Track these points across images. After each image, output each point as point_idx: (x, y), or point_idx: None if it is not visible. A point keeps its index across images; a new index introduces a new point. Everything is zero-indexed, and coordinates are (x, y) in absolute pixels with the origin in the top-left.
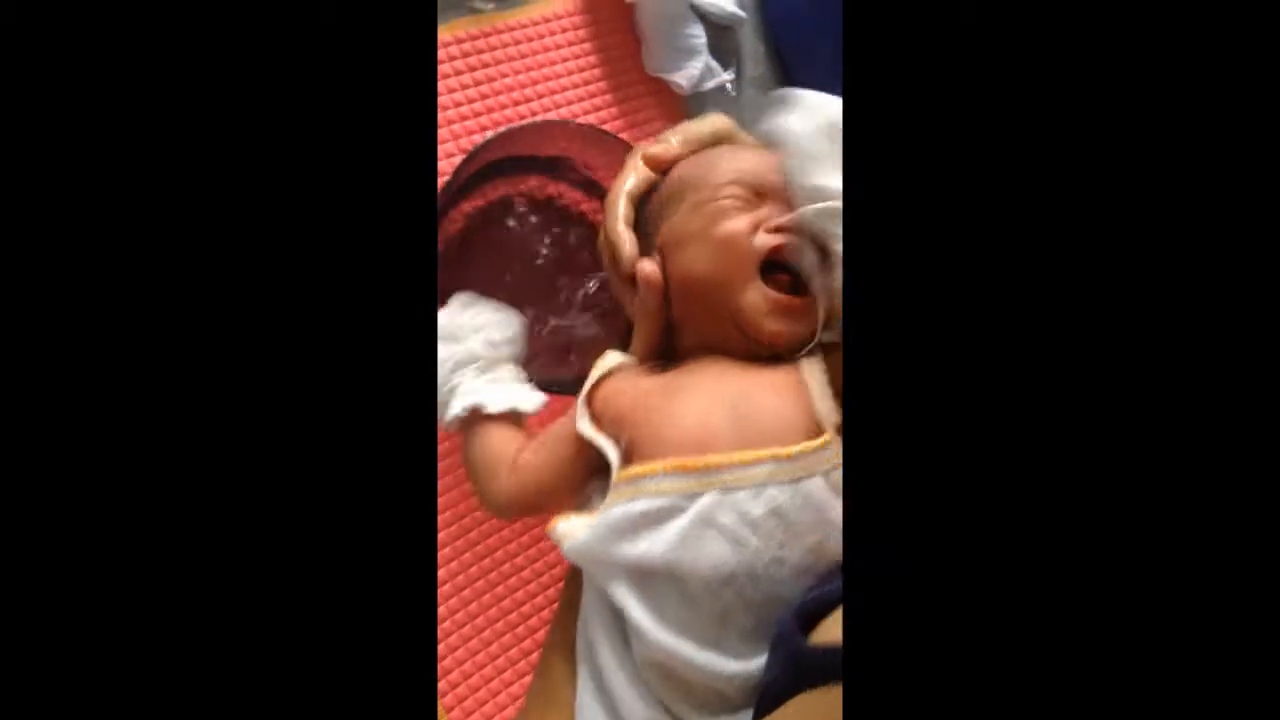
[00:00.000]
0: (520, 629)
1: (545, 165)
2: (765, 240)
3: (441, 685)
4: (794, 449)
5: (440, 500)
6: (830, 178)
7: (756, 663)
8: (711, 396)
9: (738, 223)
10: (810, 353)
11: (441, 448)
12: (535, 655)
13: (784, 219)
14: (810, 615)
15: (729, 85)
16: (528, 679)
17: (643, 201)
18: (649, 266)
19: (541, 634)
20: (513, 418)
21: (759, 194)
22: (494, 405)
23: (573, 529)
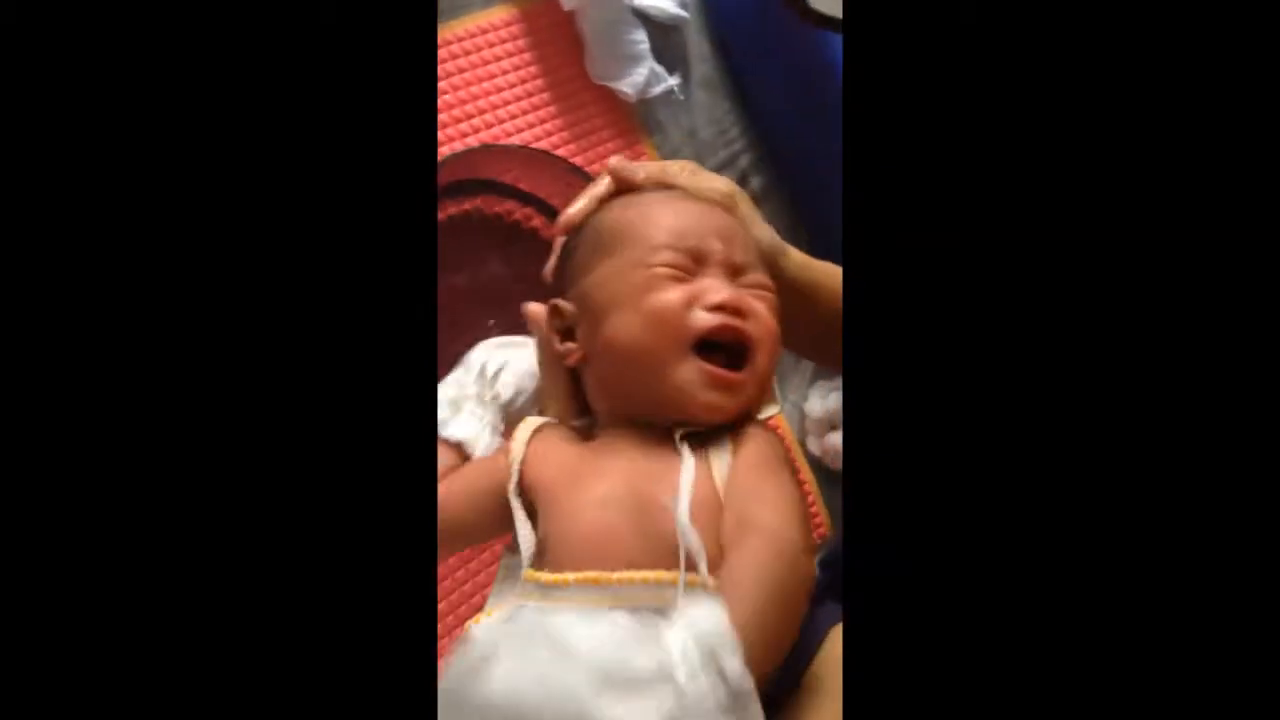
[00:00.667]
0: None
1: (490, 187)
2: (704, 320)
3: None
4: (704, 575)
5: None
6: None
7: None
8: (618, 496)
9: (671, 295)
10: (721, 441)
11: None
12: None
13: (725, 297)
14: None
15: (676, 90)
16: None
17: (565, 246)
18: (534, 307)
19: None
20: (459, 450)
21: (696, 259)
22: (446, 430)
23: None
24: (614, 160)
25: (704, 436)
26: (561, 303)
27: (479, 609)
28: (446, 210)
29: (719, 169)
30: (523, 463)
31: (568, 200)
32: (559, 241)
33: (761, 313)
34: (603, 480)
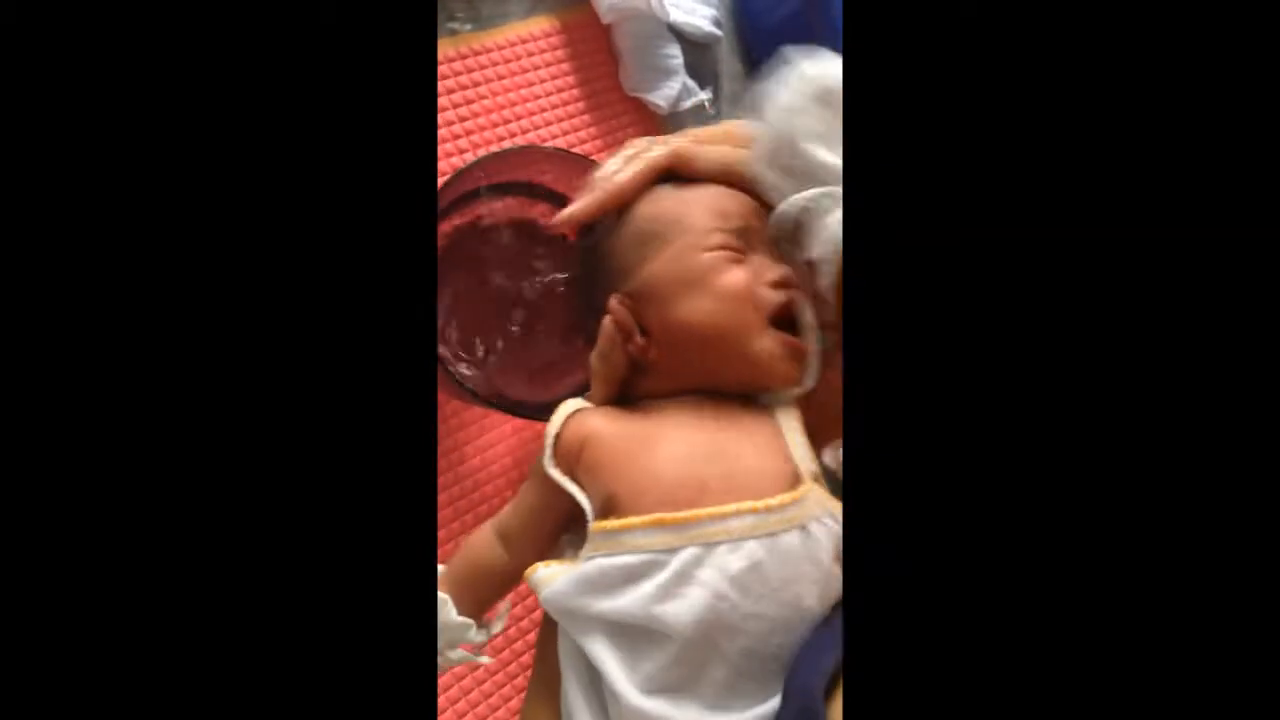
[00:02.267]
0: (518, 643)
1: (524, 189)
2: (772, 297)
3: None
4: (773, 500)
5: (441, 503)
6: (821, 151)
7: (732, 717)
8: (692, 448)
9: (737, 274)
10: (782, 400)
11: (442, 460)
12: (528, 658)
13: (781, 274)
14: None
15: (707, 104)
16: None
17: (590, 233)
18: (619, 311)
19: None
20: None
21: (743, 238)
22: None
23: (551, 575)
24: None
25: (771, 400)
26: (622, 299)
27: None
28: (477, 211)
29: None
30: (559, 439)
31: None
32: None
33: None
34: (679, 436)
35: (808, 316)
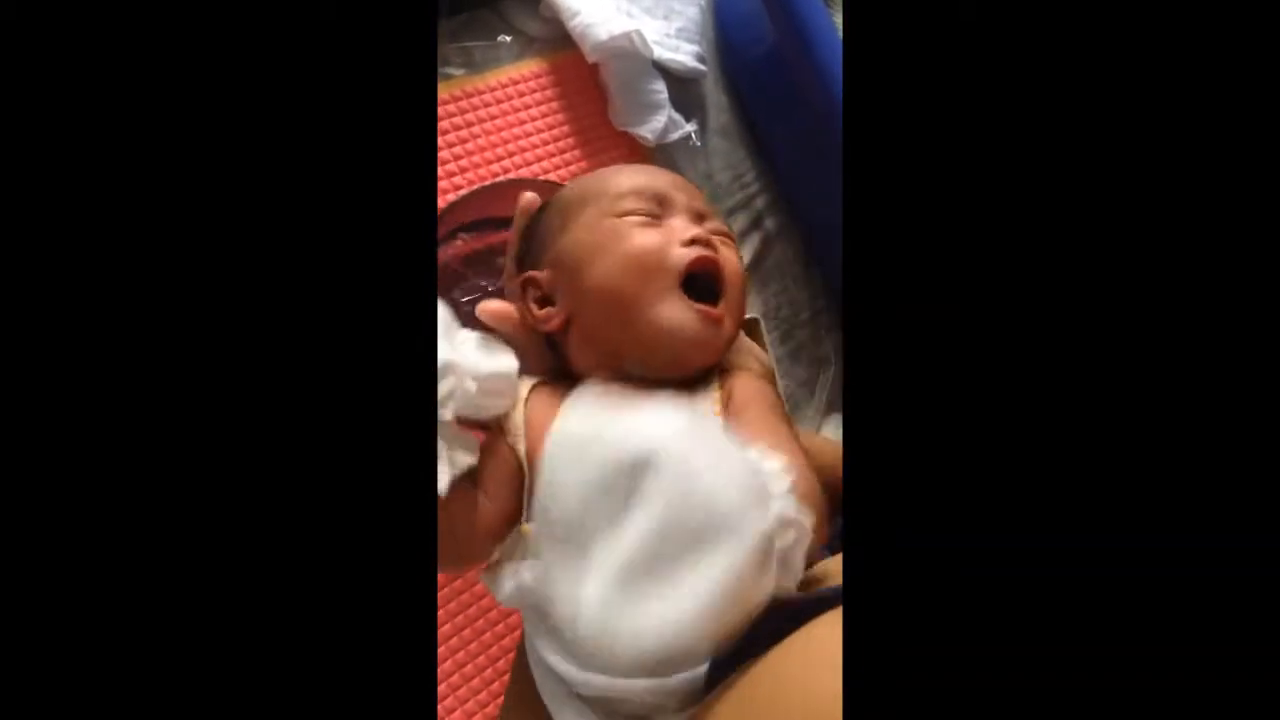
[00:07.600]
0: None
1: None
2: (683, 255)
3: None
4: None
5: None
6: None
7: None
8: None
9: (647, 236)
10: (697, 387)
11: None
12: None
13: (695, 232)
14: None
15: (693, 136)
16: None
17: (528, 229)
18: (493, 303)
19: None
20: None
21: (661, 205)
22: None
23: (497, 578)
24: None
25: (691, 385)
26: (535, 274)
27: (478, 621)
28: (470, 245)
29: (735, 210)
30: (526, 424)
31: None
32: (518, 225)
33: (728, 252)
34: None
35: (730, 279)
